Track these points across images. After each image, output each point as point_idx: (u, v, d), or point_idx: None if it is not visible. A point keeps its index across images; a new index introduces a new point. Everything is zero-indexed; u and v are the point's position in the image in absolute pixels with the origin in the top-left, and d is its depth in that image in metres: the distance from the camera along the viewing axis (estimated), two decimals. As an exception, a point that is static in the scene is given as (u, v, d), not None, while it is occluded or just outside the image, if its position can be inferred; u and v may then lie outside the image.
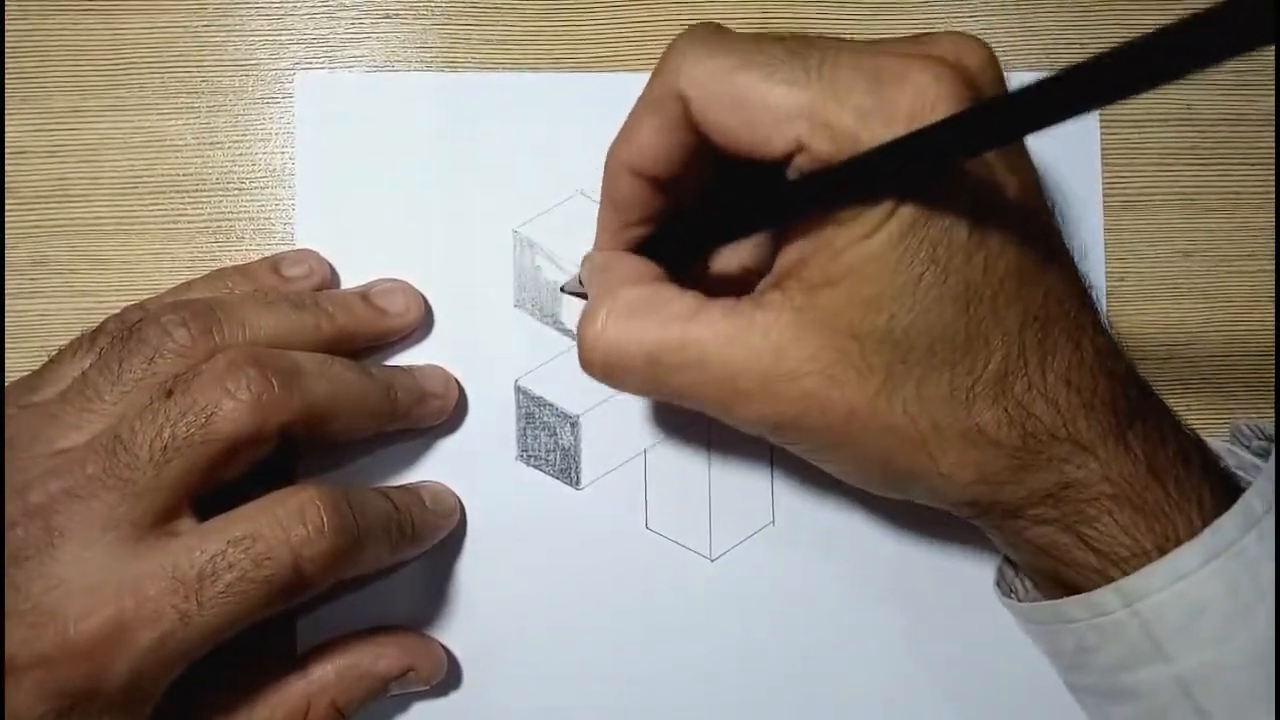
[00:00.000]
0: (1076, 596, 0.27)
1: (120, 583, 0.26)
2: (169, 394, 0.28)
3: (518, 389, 0.36)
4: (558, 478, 0.36)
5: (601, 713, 0.35)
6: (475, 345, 0.35)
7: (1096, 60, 0.19)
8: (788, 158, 0.25)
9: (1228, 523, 0.25)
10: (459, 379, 0.35)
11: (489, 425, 0.35)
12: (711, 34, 0.27)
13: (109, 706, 0.26)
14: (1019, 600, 0.31)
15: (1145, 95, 0.18)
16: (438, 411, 0.34)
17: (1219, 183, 0.38)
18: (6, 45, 0.36)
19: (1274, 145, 0.38)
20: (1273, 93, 0.38)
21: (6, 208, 0.35)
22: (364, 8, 0.36)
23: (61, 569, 0.26)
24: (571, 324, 0.36)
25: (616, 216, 0.30)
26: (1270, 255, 0.37)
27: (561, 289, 0.36)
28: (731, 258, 0.32)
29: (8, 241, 0.35)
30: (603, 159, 0.36)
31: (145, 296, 0.34)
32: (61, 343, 0.32)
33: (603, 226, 0.31)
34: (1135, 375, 0.28)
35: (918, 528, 0.36)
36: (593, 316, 0.28)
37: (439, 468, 0.35)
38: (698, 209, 0.30)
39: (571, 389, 0.36)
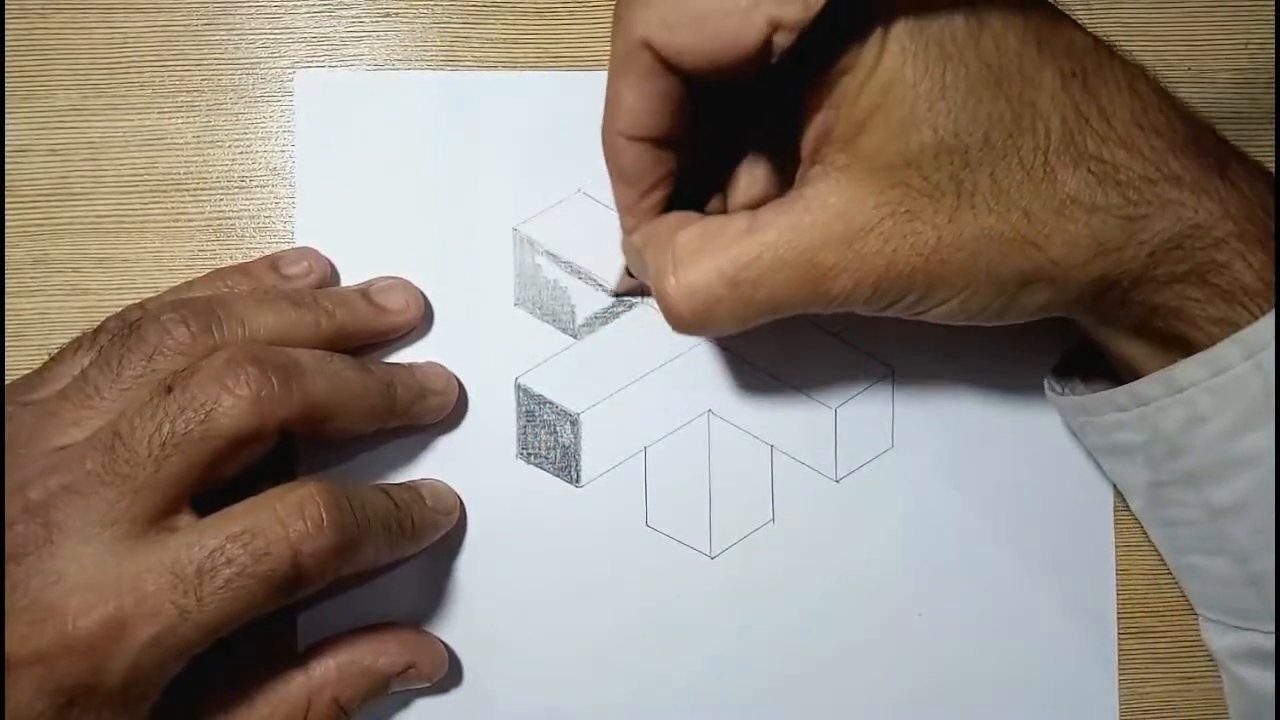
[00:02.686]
0: (1194, 356, 0.26)
1: (119, 579, 0.26)
2: (168, 391, 0.28)
3: (518, 387, 0.36)
4: (558, 475, 0.36)
5: (602, 710, 0.35)
6: (475, 343, 0.35)
7: None
8: (767, 47, 0.25)
9: None
10: (459, 377, 0.35)
11: (489, 423, 0.35)
12: None
13: (108, 702, 0.26)
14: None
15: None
16: (438, 408, 0.34)
17: (1219, 180, 0.37)
18: (7, 44, 0.36)
19: (1273, 145, 0.37)
20: (1272, 91, 0.38)
21: (7, 206, 0.35)
22: (364, 6, 0.36)
23: (60, 565, 0.26)
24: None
25: (630, 190, 0.30)
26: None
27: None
28: (752, 187, 0.31)
29: (8, 240, 0.35)
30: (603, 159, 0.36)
31: (146, 295, 0.34)
32: (62, 341, 0.32)
33: (622, 207, 0.30)
34: (1207, 122, 0.27)
35: (915, 524, 0.36)
36: (662, 275, 0.27)
37: (439, 465, 0.35)
38: (703, 140, 0.29)
39: (571, 387, 0.36)
